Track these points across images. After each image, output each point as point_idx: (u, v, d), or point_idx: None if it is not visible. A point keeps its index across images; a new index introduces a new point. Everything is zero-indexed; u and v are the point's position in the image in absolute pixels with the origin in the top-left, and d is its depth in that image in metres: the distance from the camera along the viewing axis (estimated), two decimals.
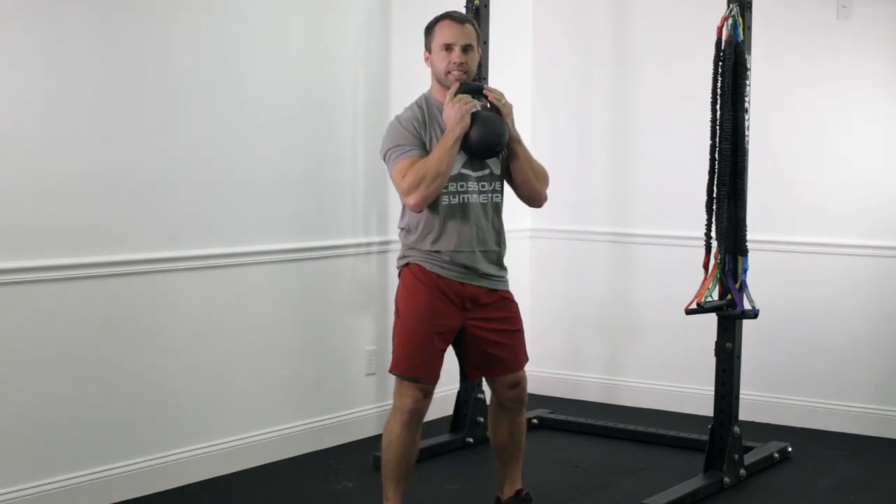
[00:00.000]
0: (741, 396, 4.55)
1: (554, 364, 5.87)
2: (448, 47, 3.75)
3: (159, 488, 4.26)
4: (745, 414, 4.80)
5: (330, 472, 4.58)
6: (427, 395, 3.68)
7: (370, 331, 5.08)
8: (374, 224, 5.08)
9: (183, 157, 4.30)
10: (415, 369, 3.67)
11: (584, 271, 5.87)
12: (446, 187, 3.67)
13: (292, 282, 4.76)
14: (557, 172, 5.90)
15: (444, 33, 3.77)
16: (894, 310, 5.12)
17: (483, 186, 3.78)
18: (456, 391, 5.06)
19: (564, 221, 5.86)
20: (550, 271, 5.97)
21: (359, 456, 4.71)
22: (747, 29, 4.35)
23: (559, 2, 5.92)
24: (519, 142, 3.79)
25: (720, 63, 4.29)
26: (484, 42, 4.93)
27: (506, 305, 3.83)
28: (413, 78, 5.17)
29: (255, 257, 4.59)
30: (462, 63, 3.73)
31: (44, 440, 3.93)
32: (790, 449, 4.83)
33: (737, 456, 4.46)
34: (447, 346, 3.75)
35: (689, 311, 4.32)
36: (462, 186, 3.73)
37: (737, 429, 4.45)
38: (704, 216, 4.37)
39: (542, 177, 3.88)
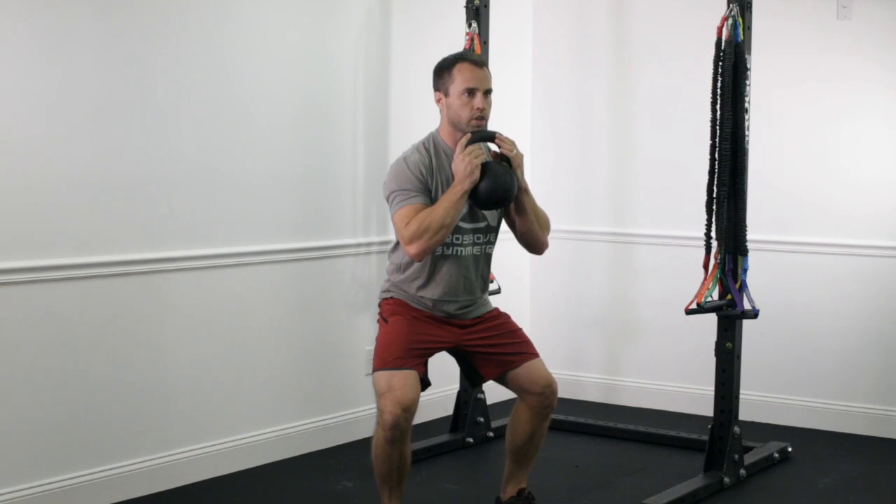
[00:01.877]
0: (741, 396, 4.55)
1: (554, 364, 5.80)
2: (471, 92, 3.68)
3: (159, 488, 4.26)
4: (745, 414, 4.80)
5: (330, 472, 4.58)
6: (406, 409, 3.52)
7: (370, 331, 5.07)
8: (374, 224, 5.09)
9: (183, 157, 4.30)
10: (396, 362, 3.61)
11: (584, 271, 5.88)
12: None
13: (292, 282, 4.76)
14: (558, 172, 5.96)
15: (465, 77, 3.68)
16: (894, 310, 5.12)
17: (478, 238, 3.77)
18: (456, 391, 5.06)
19: (564, 221, 5.85)
20: (550, 271, 5.97)
21: (359, 456, 4.71)
22: (747, 29, 4.35)
23: (559, 2, 5.92)
24: (526, 192, 3.75)
25: (720, 63, 4.29)
26: (484, 42, 4.94)
27: (491, 318, 3.85)
28: (413, 78, 5.19)
29: (255, 257, 4.59)
30: (483, 109, 3.68)
31: (44, 440, 3.93)
32: (790, 449, 4.83)
33: (737, 456, 4.46)
34: (430, 354, 3.75)
35: (689, 311, 4.32)
36: (457, 239, 3.71)
37: (737, 429, 4.45)
38: (704, 216, 4.38)
39: (545, 226, 3.85)
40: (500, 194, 3.65)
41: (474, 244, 3.77)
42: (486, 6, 4.97)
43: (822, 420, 5.27)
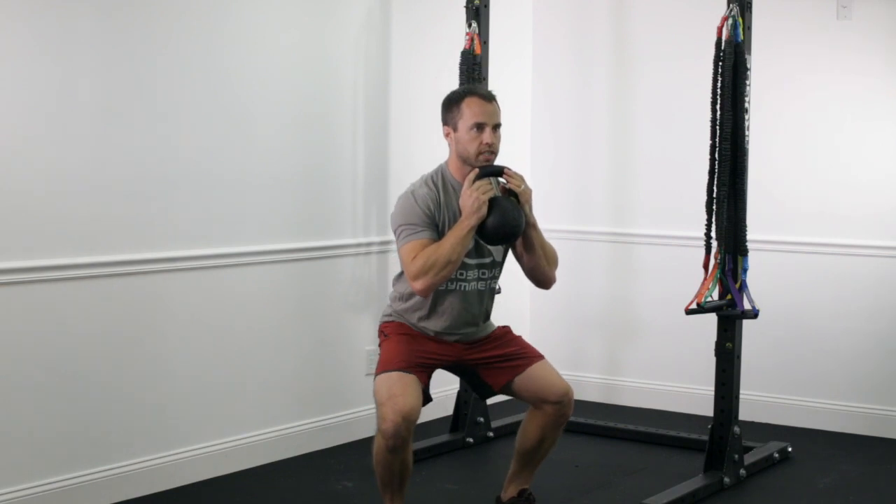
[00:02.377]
0: (741, 396, 4.55)
1: (554, 364, 5.79)
2: (479, 127, 3.64)
3: (159, 488, 4.26)
4: (745, 414, 4.80)
5: (330, 472, 4.58)
6: (406, 417, 3.48)
7: (370, 331, 5.07)
8: (374, 224, 5.09)
9: (183, 158, 4.30)
10: (400, 364, 3.62)
11: (584, 271, 5.87)
12: None
13: (292, 282, 4.76)
14: (558, 173, 5.96)
15: (474, 111, 3.64)
16: (894, 310, 5.12)
17: (483, 274, 3.76)
18: (456, 391, 5.06)
19: (564, 221, 5.86)
20: None
21: (359, 456, 4.71)
22: (747, 29, 4.35)
23: (559, 2, 5.92)
24: (534, 227, 3.73)
25: (720, 63, 4.29)
26: (484, 42, 4.93)
27: (493, 335, 3.85)
28: (413, 78, 5.19)
29: (255, 257, 4.59)
30: (492, 144, 3.65)
31: (44, 440, 3.93)
32: (790, 449, 4.83)
33: (737, 456, 4.46)
34: (433, 367, 3.74)
35: (689, 311, 4.32)
36: (461, 275, 3.70)
37: (737, 429, 4.45)
38: (704, 216, 4.38)
39: (553, 261, 3.84)
40: (507, 230, 3.63)
41: (479, 279, 3.75)
42: (486, 6, 4.97)
43: (822, 420, 5.27)
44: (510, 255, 3.89)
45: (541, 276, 3.83)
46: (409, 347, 3.70)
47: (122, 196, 4.10)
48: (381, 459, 3.58)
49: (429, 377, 3.73)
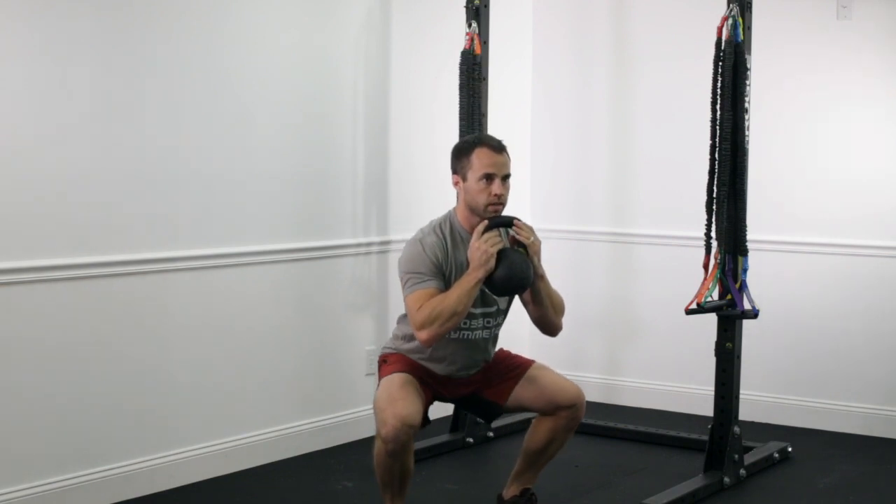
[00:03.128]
0: (741, 396, 4.55)
1: (554, 364, 5.76)
2: (489, 177, 3.61)
3: (159, 488, 4.26)
4: (745, 414, 4.80)
5: (330, 472, 4.58)
6: (405, 421, 3.46)
7: (370, 331, 5.08)
8: (374, 224, 5.09)
9: (183, 157, 4.30)
10: (402, 369, 3.65)
11: (584, 271, 5.87)
12: None
13: (292, 282, 4.76)
14: (558, 172, 5.96)
15: (483, 162, 3.60)
16: (894, 310, 5.12)
17: (488, 322, 3.75)
18: None
19: (564, 221, 5.86)
20: (550, 271, 5.87)
21: (359, 456, 4.71)
22: (747, 29, 4.35)
23: (559, 2, 5.92)
24: (543, 278, 3.71)
25: (720, 63, 4.29)
26: (484, 42, 4.93)
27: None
28: (413, 78, 5.19)
29: (255, 257, 4.59)
30: (501, 195, 3.62)
31: (43, 440, 3.93)
32: (790, 449, 4.83)
33: (737, 456, 4.46)
34: (432, 394, 3.73)
35: (689, 311, 4.32)
36: (466, 324, 3.68)
37: (737, 429, 4.45)
38: (704, 216, 4.38)
39: (560, 310, 3.81)
40: (515, 283, 3.61)
41: (484, 328, 3.74)
42: (486, 6, 4.97)
43: (822, 420, 5.27)
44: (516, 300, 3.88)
45: (547, 324, 3.81)
46: (412, 365, 3.71)
47: (122, 196, 4.10)
48: (381, 462, 3.57)
49: (430, 397, 3.73)
